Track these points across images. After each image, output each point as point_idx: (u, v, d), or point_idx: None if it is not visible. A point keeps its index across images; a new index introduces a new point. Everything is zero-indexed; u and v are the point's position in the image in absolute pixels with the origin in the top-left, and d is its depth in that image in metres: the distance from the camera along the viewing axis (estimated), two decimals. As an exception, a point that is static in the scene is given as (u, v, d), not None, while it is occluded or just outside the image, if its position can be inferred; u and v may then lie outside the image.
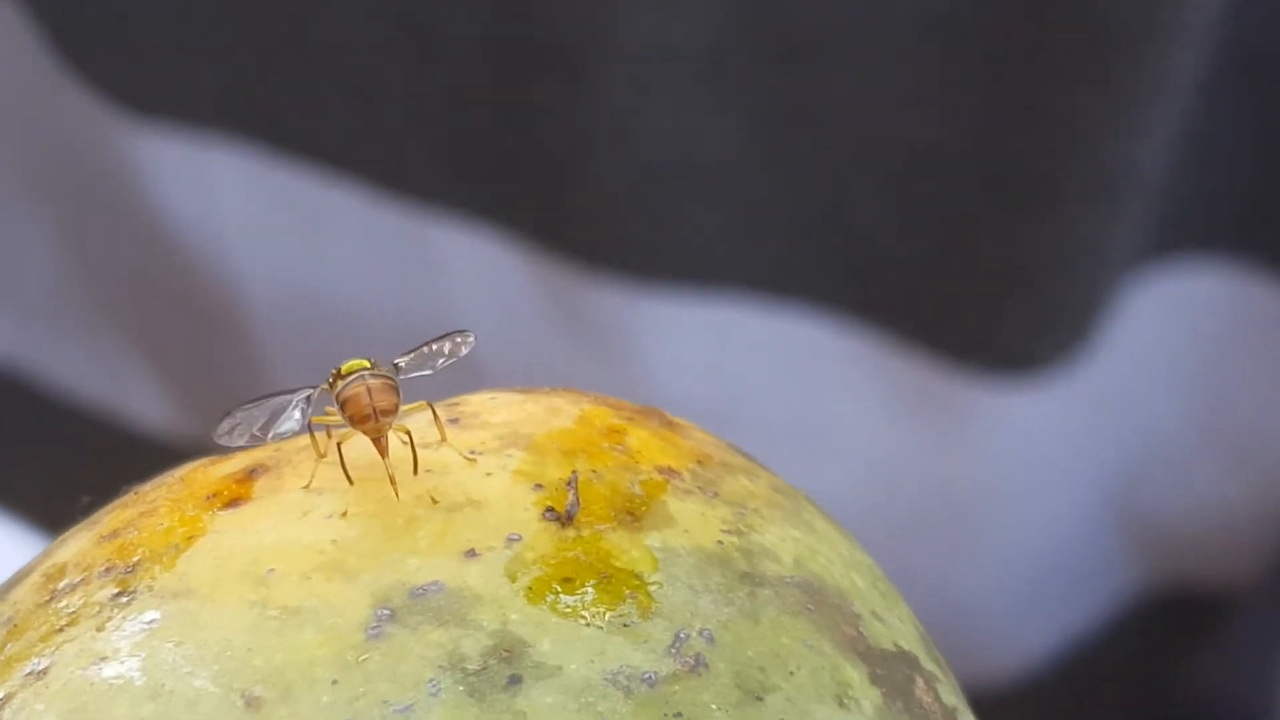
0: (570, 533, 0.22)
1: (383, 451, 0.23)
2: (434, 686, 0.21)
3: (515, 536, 0.22)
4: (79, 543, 0.24)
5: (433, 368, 0.25)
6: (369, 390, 0.23)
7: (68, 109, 0.46)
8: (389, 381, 0.24)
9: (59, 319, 0.51)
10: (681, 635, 0.22)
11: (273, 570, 0.22)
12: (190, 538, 0.23)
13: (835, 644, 0.23)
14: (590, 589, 0.22)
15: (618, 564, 0.22)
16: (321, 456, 0.23)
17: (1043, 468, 0.47)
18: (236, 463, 0.24)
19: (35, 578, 0.23)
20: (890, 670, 0.23)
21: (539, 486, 0.23)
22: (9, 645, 0.22)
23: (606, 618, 0.21)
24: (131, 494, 0.24)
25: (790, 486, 0.25)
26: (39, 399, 0.52)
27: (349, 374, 0.24)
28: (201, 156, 0.46)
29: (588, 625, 0.21)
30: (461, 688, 0.21)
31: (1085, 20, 0.41)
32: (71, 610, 0.22)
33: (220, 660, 0.21)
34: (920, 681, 0.23)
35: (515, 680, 0.21)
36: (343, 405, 0.23)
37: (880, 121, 0.43)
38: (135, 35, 0.45)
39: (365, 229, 0.46)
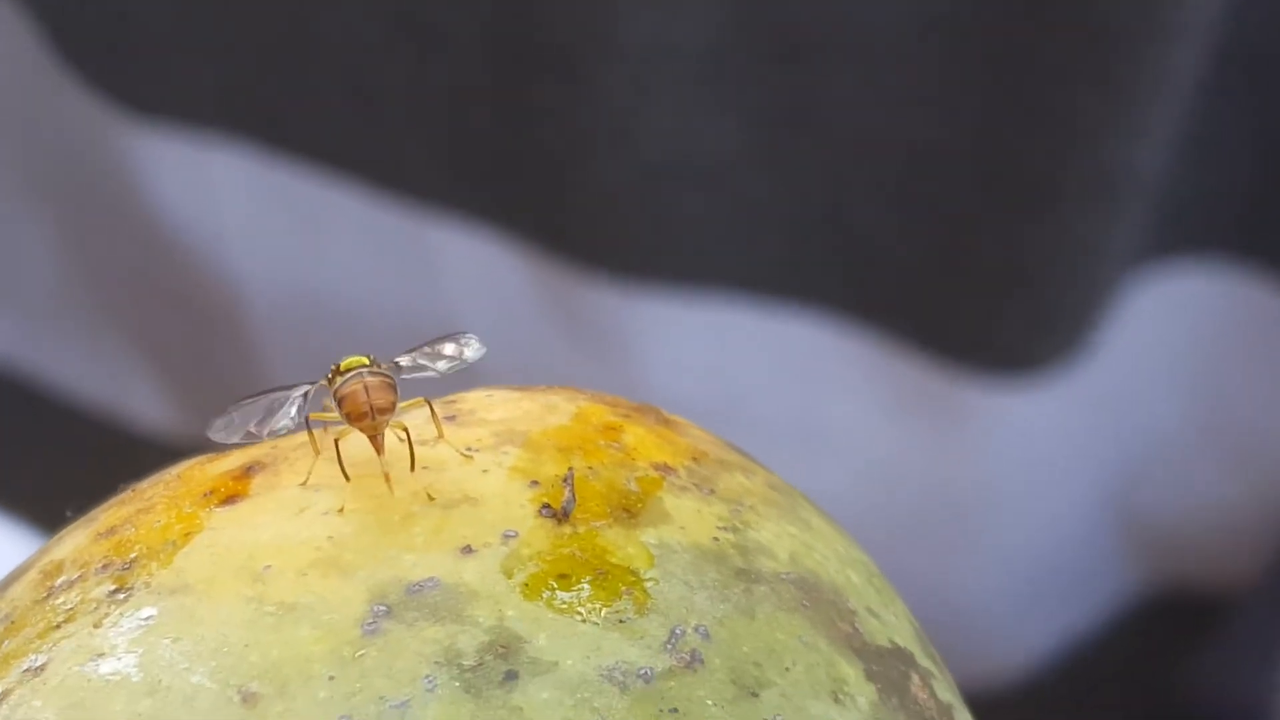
0: (566, 529, 0.22)
1: (378, 449, 0.23)
2: (430, 682, 0.21)
3: (511, 533, 0.22)
4: (76, 539, 0.24)
5: (437, 371, 0.25)
6: (366, 388, 0.23)
7: (68, 109, 0.46)
8: (386, 380, 0.24)
9: (59, 319, 0.51)
10: (677, 631, 0.22)
11: (269, 567, 0.22)
12: (187, 534, 0.23)
13: (831, 640, 0.23)
14: (586, 585, 0.22)
15: (614, 560, 0.22)
16: (318, 454, 0.23)
17: (1042, 468, 0.47)
18: (233, 460, 0.24)
19: (33, 574, 0.23)
20: (886, 666, 0.23)
21: (535, 483, 0.23)
22: (6, 642, 0.22)
23: (602, 614, 0.22)
24: (129, 491, 0.24)
25: (786, 484, 0.25)
26: (38, 399, 0.52)
27: (348, 371, 0.24)
28: (201, 156, 0.46)
29: (584, 621, 0.21)
30: (458, 684, 0.21)
31: (1085, 20, 0.41)
32: (69, 607, 0.22)
33: (217, 656, 0.21)
34: (916, 678, 0.23)
35: (511, 676, 0.21)
36: (340, 403, 0.23)
37: (880, 121, 0.43)
38: (135, 35, 0.45)
39: (365, 229, 0.46)
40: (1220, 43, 0.42)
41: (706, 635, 0.22)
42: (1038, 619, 0.50)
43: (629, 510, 0.23)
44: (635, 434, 0.24)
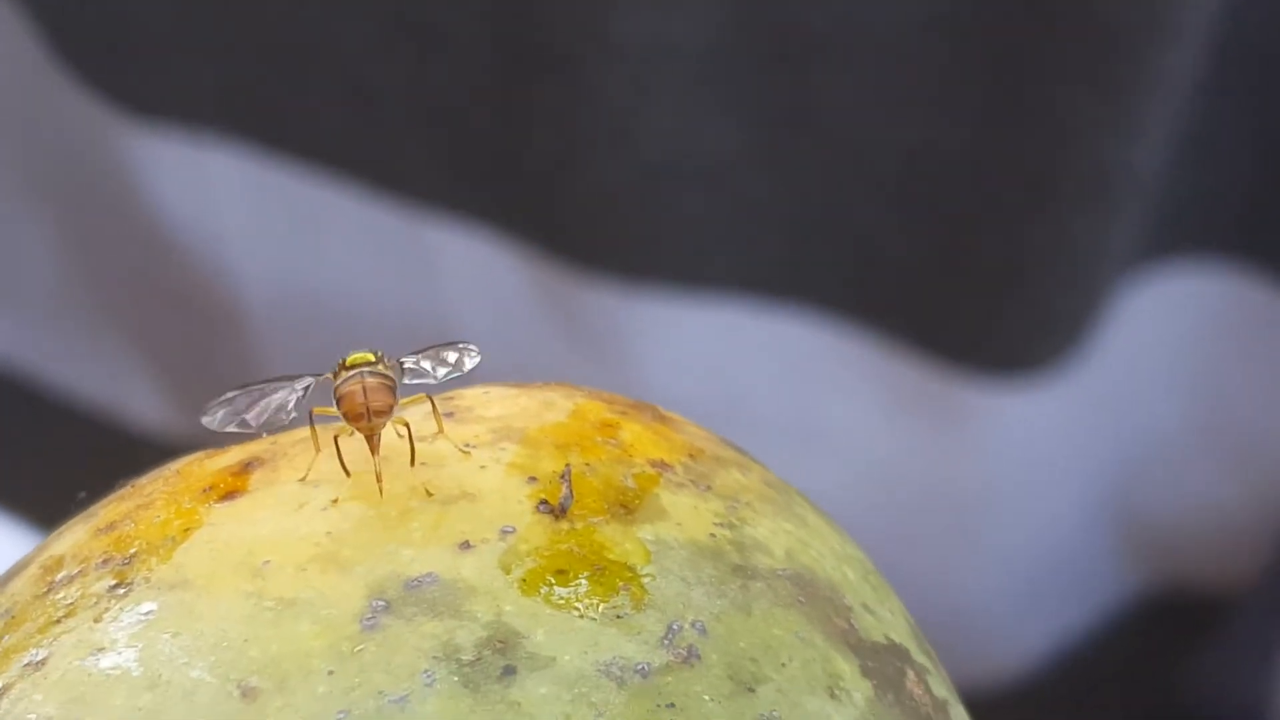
0: (564, 525, 0.22)
1: (374, 449, 0.23)
2: (429, 677, 0.21)
3: (509, 529, 0.22)
4: (76, 535, 0.24)
5: (436, 378, 0.25)
6: (365, 389, 0.23)
7: (67, 109, 0.46)
8: (385, 381, 0.24)
9: (59, 319, 0.51)
10: (674, 627, 0.22)
11: (268, 562, 0.22)
12: (187, 530, 0.23)
13: (827, 636, 0.23)
14: (584, 581, 0.22)
15: (611, 556, 0.22)
16: (319, 450, 0.24)
17: (1041, 468, 0.47)
18: (232, 456, 0.24)
19: (33, 570, 0.23)
20: (881, 662, 0.23)
21: (533, 479, 0.23)
22: (7, 636, 0.22)
23: (600, 609, 0.22)
24: (128, 487, 0.25)
25: (782, 481, 0.26)
26: (38, 399, 0.52)
27: (351, 368, 0.24)
28: (200, 156, 0.46)
29: (581, 617, 0.21)
30: (456, 678, 0.21)
31: (1084, 20, 0.41)
32: (69, 602, 0.22)
33: (216, 651, 0.21)
34: (911, 674, 0.23)
35: (509, 671, 0.21)
36: (338, 401, 0.24)
37: (880, 121, 0.43)
38: (135, 35, 0.45)
39: (363, 229, 0.46)
40: (1219, 43, 0.42)
41: (703, 631, 0.22)
42: (1037, 619, 0.50)
43: (626, 506, 0.23)
44: (632, 431, 0.24)
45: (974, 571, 0.48)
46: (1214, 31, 0.41)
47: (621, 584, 0.22)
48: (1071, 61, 0.41)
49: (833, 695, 0.22)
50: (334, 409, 0.24)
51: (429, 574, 0.22)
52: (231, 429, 0.24)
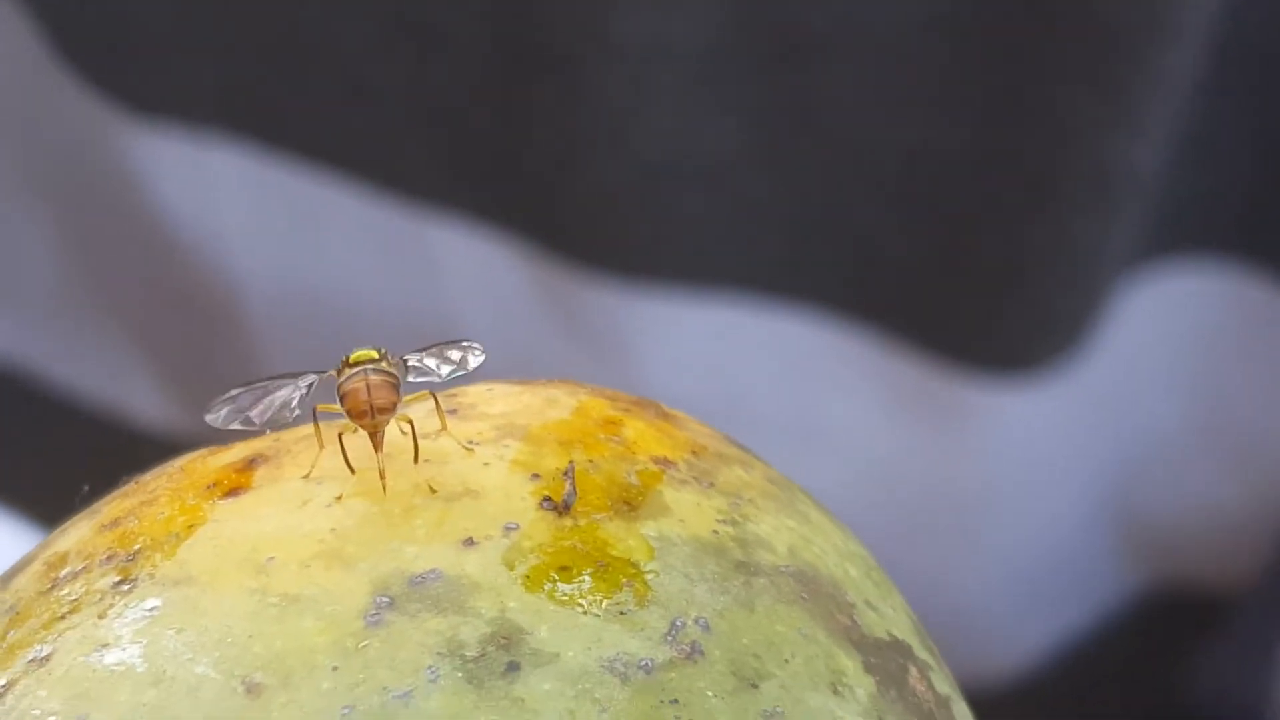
0: (567, 522, 0.22)
1: (377, 447, 0.23)
2: (433, 673, 0.21)
3: (513, 525, 0.22)
4: (80, 531, 0.24)
5: (440, 376, 0.25)
6: (368, 387, 0.23)
7: (68, 109, 0.46)
8: (389, 380, 0.24)
9: (59, 318, 0.51)
10: (677, 623, 0.22)
11: (273, 558, 0.22)
12: (191, 526, 0.23)
13: (830, 633, 0.23)
14: (587, 577, 0.22)
15: (614, 553, 0.22)
16: (323, 446, 0.24)
17: (1041, 468, 0.47)
18: (236, 452, 0.24)
19: (37, 566, 0.23)
20: (884, 659, 0.23)
21: (536, 476, 0.23)
22: (11, 632, 0.22)
23: (603, 605, 0.22)
24: (132, 484, 0.25)
25: (784, 477, 0.26)
26: (39, 397, 0.52)
27: (355, 364, 0.24)
28: (201, 155, 0.46)
29: (585, 613, 0.21)
30: (460, 674, 0.21)
31: (1084, 20, 0.41)
32: (73, 598, 0.22)
33: (221, 647, 0.21)
34: (914, 670, 0.23)
35: (513, 667, 0.21)
36: (342, 399, 0.24)
37: (880, 121, 0.43)
38: (136, 34, 0.45)
39: (364, 228, 0.46)
40: (1219, 43, 0.42)
41: (706, 627, 0.22)
42: (1037, 618, 0.50)
43: (629, 503, 0.23)
44: (635, 428, 0.25)
45: (974, 570, 0.48)
46: (1214, 31, 0.41)
47: (625, 580, 0.22)
48: (1071, 61, 0.41)
49: (836, 691, 0.22)
50: (338, 406, 0.24)
51: (433, 570, 0.22)
52: (235, 426, 0.24)
